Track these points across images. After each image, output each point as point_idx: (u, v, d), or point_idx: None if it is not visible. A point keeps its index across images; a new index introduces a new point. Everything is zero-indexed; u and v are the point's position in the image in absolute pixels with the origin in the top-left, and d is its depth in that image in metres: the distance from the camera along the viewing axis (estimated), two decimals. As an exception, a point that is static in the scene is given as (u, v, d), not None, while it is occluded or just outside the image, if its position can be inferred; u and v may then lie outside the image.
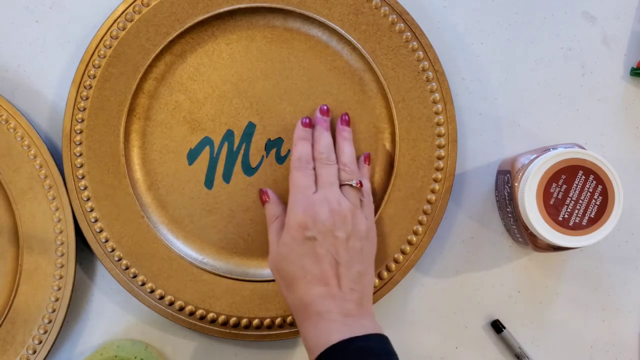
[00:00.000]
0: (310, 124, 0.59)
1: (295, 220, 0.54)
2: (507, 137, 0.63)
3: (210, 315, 0.59)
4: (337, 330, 0.50)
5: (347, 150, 0.58)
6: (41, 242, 0.60)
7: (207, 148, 0.61)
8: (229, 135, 0.61)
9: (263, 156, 0.61)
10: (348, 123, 0.60)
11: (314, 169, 0.57)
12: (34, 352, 0.59)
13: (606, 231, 0.52)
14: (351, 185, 0.56)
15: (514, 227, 0.58)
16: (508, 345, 0.61)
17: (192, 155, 0.61)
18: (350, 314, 0.52)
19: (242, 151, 0.61)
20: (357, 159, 0.59)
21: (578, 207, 0.52)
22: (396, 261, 0.60)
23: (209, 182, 0.61)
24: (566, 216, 0.52)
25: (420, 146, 0.60)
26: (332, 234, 0.53)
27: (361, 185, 0.57)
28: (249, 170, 0.61)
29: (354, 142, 0.60)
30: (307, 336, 0.52)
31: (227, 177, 0.61)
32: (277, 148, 0.61)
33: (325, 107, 0.59)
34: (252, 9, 0.60)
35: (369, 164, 0.60)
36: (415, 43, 0.60)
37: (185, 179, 0.61)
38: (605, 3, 0.63)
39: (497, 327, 0.61)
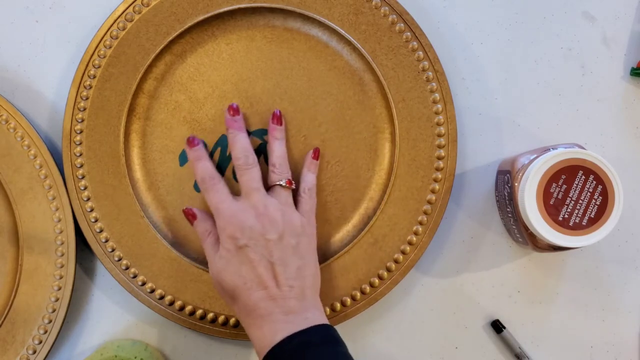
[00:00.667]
0: (195, 142, 0.58)
1: (224, 234, 0.54)
2: (507, 137, 0.63)
3: (210, 315, 0.59)
4: (280, 329, 0.51)
5: (277, 150, 0.58)
6: (41, 242, 0.60)
7: None
8: (222, 140, 0.61)
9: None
10: (280, 120, 0.60)
11: (235, 176, 0.57)
12: (34, 352, 0.59)
13: (606, 231, 0.52)
14: (281, 185, 0.57)
15: (514, 227, 0.58)
16: (508, 345, 0.61)
17: (184, 157, 0.61)
18: (292, 311, 0.52)
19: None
20: (307, 154, 0.60)
21: (578, 207, 0.52)
22: (396, 261, 0.60)
23: (197, 185, 0.61)
24: (566, 216, 0.52)
25: (420, 146, 0.60)
26: (263, 237, 0.54)
27: (290, 183, 0.57)
28: None
29: (352, 143, 0.60)
30: (255, 341, 0.52)
31: None
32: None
33: (234, 105, 0.59)
34: (252, 9, 0.60)
35: (317, 159, 0.60)
36: (415, 43, 0.60)
37: (185, 179, 0.61)
38: (605, 3, 0.63)
39: (497, 327, 0.61)
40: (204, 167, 0.57)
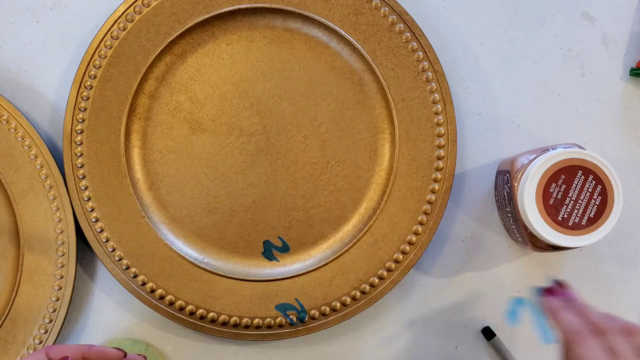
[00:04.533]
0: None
1: None
2: (506, 137, 0.63)
3: (211, 315, 0.60)
4: None
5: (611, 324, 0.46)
6: (42, 241, 0.60)
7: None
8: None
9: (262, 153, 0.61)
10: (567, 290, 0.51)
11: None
12: (35, 351, 0.59)
13: (606, 231, 0.52)
14: None
15: (513, 227, 0.58)
16: (498, 352, 0.61)
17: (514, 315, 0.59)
18: None
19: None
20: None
21: (577, 207, 0.52)
22: (396, 261, 0.60)
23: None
24: (565, 216, 0.52)
25: (420, 146, 0.60)
26: None
27: None
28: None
29: (352, 143, 0.61)
30: None
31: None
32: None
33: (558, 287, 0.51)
34: (253, 9, 0.61)
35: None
36: (415, 43, 0.60)
37: (185, 179, 0.61)
38: (605, 3, 0.63)
39: (487, 333, 0.61)
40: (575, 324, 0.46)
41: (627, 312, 0.62)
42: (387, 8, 0.60)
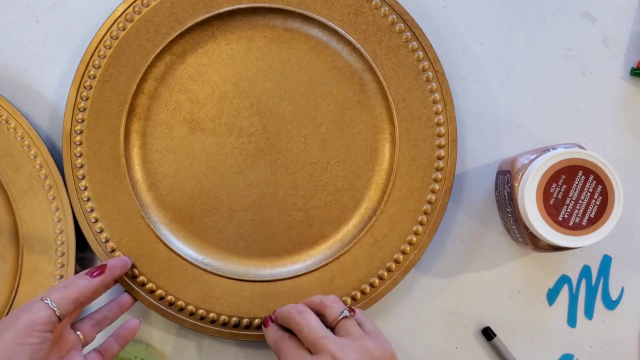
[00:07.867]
0: (268, 323, 0.56)
1: None
2: (507, 137, 0.63)
3: (211, 315, 0.59)
4: None
5: (314, 298, 0.55)
6: (41, 242, 0.60)
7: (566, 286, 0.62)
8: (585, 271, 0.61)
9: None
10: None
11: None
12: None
13: (606, 231, 0.52)
14: (345, 317, 0.52)
15: (514, 227, 0.58)
16: (498, 352, 0.61)
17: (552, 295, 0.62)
18: None
19: (600, 285, 0.62)
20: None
21: (578, 207, 0.52)
22: (396, 261, 0.60)
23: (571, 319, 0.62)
24: (566, 216, 0.52)
25: (420, 146, 0.60)
26: None
27: (353, 310, 0.53)
28: (609, 303, 0.62)
29: (352, 143, 0.61)
30: None
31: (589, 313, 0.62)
32: None
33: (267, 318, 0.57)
34: (252, 9, 0.61)
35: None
36: (415, 43, 0.60)
37: (185, 180, 0.61)
38: (605, 3, 0.63)
39: (487, 334, 0.61)
40: (271, 334, 0.55)
41: (628, 312, 0.62)
42: (387, 7, 0.60)
